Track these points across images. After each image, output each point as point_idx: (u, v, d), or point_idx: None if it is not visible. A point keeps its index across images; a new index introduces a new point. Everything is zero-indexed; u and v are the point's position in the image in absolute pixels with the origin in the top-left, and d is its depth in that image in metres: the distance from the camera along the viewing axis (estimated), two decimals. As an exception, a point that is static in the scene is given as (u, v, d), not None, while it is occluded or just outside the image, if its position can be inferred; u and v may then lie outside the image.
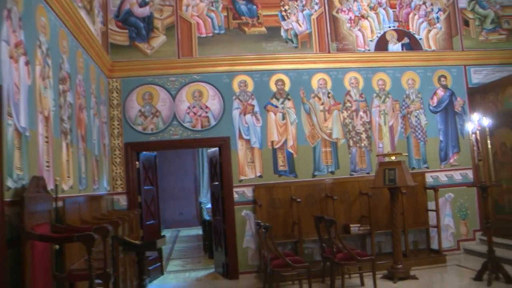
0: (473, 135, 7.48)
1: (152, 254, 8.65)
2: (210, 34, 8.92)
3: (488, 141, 7.26)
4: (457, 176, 9.46)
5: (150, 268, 8.49)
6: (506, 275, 6.77)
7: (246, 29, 9.03)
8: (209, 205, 11.54)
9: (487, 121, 7.32)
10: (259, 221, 7.64)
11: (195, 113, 8.73)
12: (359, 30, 9.40)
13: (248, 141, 8.78)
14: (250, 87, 8.90)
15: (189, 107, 8.73)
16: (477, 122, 7.43)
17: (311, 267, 6.93)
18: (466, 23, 9.92)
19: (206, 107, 8.77)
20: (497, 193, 9.07)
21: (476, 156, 7.54)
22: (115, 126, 8.56)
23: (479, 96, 9.53)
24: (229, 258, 8.56)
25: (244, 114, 8.82)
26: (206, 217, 12.01)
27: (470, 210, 9.43)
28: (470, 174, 9.50)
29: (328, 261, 7.30)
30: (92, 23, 7.48)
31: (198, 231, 15.35)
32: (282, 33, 9.14)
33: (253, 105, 8.86)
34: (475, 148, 7.61)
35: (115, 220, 5.44)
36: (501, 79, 9.31)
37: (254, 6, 9.10)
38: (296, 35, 9.17)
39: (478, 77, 9.80)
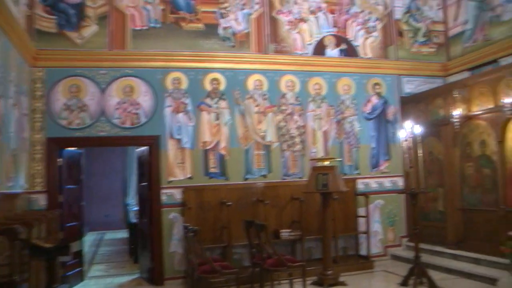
0: (405, 142, 7.56)
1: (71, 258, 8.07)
2: (145, 27, 8.49)
3: (419, 149, 7.36)
4: (387, 183, 9.58)
5: (69, 273, 7.92)
6: (430, 280, 6.89)
7: (183, 24, 8.69)
8: (136, 207, 11.04)
9: (419, 129, 7.42)
10: (187, 224, 7.31)
11: (125, 109, 8.27)
12: (298, 33, 9.32)
13: (179, 140, 8.43)
14: (184, 85, 8.56)
15: (118, 103, 8.25)
16: (409, 129, 7.51)
17: (240, 273, 6.71)
18: (401, 34, 10.11)
19: (137, 103, 8.33)
20: (424, 200, 9.27)
21: (408, 163, 7.63)
22: (37, 119, 7.92)
23: (410, 105, 9.72)
24: (154, 263, 8.16)
25: (177, 113, 8.47)
26: (133, 219, 11.51)
27: (398, 217, 9.58)
28: (399, 181, 9.64)
29: (257, 267, 7.09)
30: (14, 3, 6.85)
31: (124, 234, 14.73)
32: (220, 31, 8.88)
33: (186, 104, 8.53)
34: (406, 155, 7.69)
35: (27, 221, 4.94)
36: (429, 90, 9.57)
37: (193, 1, 8.77)
38: (234, 34, 8.94)
39: (410, 87, 10.00)
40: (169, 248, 8.20)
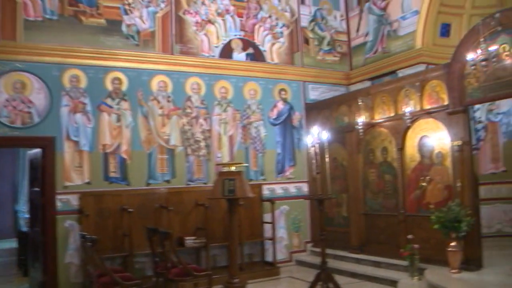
0: (312, 148, 7.59)
1: None
2: (40, 18, 7.78)
3: (326, 155, 7.43)
4: (292, 189, 9.64)
5: None
6: (336, 285, 6.92)
7: (83, 18, 8.10)
8: (27, 215, 10.14)
9: (326, 135, 7.48)
10: (85, 232, 6.77)
11: (14, 107, 7.52)
12: (205, 34, 9.10)
13: (76, 142, 7.82)
14: (83, 83, 7.98)
15: (7, 100, 7.48)
16: (316, 135, 7.55)
17: (143, 284, 6.34)
18: (307, 41, 10.27)
19: (30, 101, 7.61)
20: (328, 206, 9.43)
21: (315, 169, 7.66)
22: None
23: (315, 112, 9.87)
24: (47, 276, 7.47)
25: (74, 113, 7.87)
26: (23, 228, 10.56)
27: (303, 223, 9.67)
28: (304, 187, 9.75)
29: (161, 277, 6.71)
30: None
31: (13, 244, 13.50)
32: (123, 28, 8.40)
33: (85, 104, 7.95)
34: (313, 161, 7.72)
35: None
36: (334, 97, 9.81)
37: (94, -6, 8.23)
38: (138, 32, 8.50)
39: (314, 93, 10.17)
40: (64, 259, 7.55)
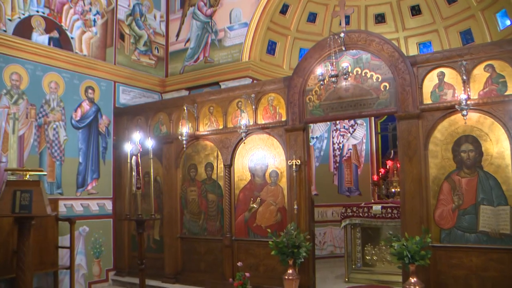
0: (134, 158, 6.24)
1: None
2: None
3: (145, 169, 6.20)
4: (94, 206, 8.02)
5: None
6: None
7: None
8: None
9: (151, 142, 6.24)
10: None
11: None
12: (-2, 1, 7.04)
13: None
14: None
15: None
16: (138, 143, 6.24)
17: None
18: (122, 37, 8.89)
19: None
20: (134, 227, 8.10)
21: (135, 183, 6.28)
22: None
23: (127, 118, 8.52)
24: None
25: None
26: None
27: (105, 247, 8.08)
28: (108, 205, 8.21)
29: None
30: None
31: None
32: None
33: None
34: (134, 173, 6.36)
35: None
36: (152, 103, 8.70)
37: None
38: None
39: (126, 97, 8.82)
40: None
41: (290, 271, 6.21)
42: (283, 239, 6.21)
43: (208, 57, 9.08)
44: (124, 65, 8.81)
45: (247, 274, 6.42)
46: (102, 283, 7.93)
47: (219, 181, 7.42)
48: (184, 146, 7.44)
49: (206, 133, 7.58)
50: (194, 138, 7.67)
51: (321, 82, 6.12)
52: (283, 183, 6.83)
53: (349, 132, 9.82)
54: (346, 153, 9.77)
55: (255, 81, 8.32)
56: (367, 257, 7.47)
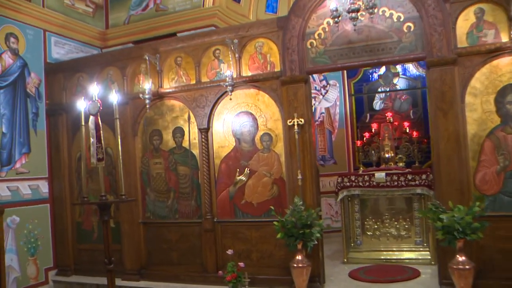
0: (92, 119, 4.59)
1: None
2: None
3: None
4: (25, 189, 6.19)
5: None
6: None
7: None
8: None
9: (116, 96, 4.61)
10: None
11: None
12: None
13: None
14: None
15: None
16: (96, 97, 4.56)
17: None
18: (55, -28, 6.98)
19: None
20: (80, 213, 6.47)
21: (95, 153, 4.61)
22: None
23: (63, 76, 6.72)
24: None
25: None
26: None
27: (42, 241, 6.30)
28: (43, 186, 6.42)
29: None
30: None
31: None
32: None
33: None
34: (92, 139, 4.69)
35: None
36: (100, 55, 7.24)
37: None
38: None
39: (60, 51, 7.00)
40: None
41: (299, 257, 4.96)
42: (290, 217, 4.93)
43: (160, 4, 7.45)
44: (56, 10, 6.93)
45: (241, 264, 5.09)
46: (41, 287, 6.15)
47: (192, 150, 5.94)
48: (148, 107, 5.87)
49: (173, 90, 6.04)
50: (157, 97, 6.11)
51: (336, 19, 4.83)
52: (279, 148, 5.52)
53: (321, 93, 8.65)
54: (319, 117, 8.60)
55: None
56: (368, 233, 6.41)
